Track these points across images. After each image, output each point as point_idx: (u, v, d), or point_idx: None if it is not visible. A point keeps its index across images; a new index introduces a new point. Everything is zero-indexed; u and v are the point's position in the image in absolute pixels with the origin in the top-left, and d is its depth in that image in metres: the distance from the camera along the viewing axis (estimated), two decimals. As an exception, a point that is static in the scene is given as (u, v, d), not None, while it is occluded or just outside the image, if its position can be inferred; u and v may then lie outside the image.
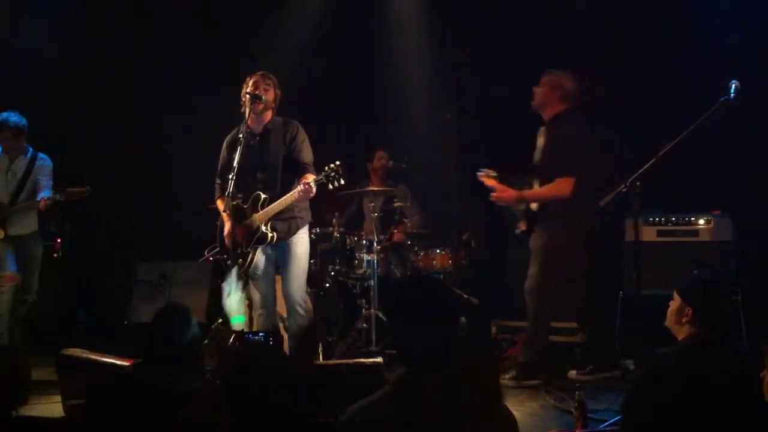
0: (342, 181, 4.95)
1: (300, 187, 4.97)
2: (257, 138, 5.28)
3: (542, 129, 5.62)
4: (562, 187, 5.35)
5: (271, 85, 5.26)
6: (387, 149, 7.21)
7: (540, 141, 5.60)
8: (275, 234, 5.14)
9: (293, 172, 5.20)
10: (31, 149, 6.21)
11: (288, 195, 5.06)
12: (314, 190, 5.00)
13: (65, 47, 7.17)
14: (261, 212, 5.14)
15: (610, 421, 4.24)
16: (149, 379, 2.95)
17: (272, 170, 5.24)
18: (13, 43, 7.01)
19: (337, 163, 4.92)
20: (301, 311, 5.24)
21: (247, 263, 5.18)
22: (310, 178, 5.01)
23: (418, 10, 7.45)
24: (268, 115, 5.30)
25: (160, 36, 7.28)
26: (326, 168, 4.95)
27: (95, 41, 7.21)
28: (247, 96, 5.15)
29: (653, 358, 3.10)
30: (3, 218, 6.08)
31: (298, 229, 5.26)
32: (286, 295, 5.30)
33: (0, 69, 6.89)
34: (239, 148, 5.04)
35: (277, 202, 5.11)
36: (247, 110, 5.17)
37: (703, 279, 3.40)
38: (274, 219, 5.16)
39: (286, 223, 5.22)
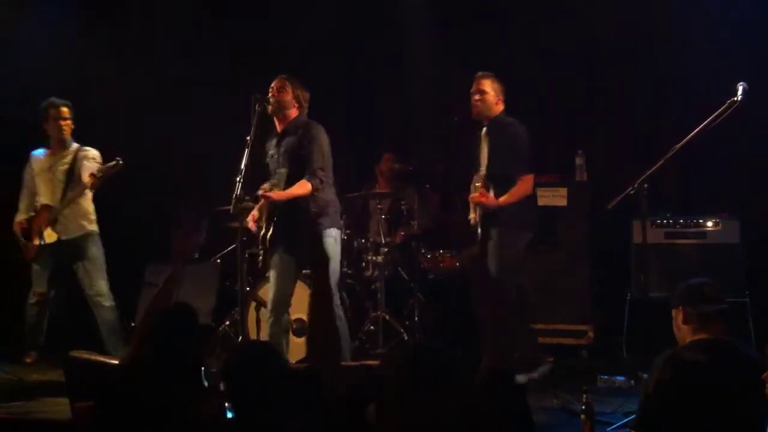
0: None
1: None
2: (278, 139, 5.33)
3: (482, 133, 5.58)
4: (527, 186, 5.34)
5: (287, 85, 5.27)
6: (394, 152, 7.22)
7: (483, 145, 5.56)
8: (269, 234, 5.16)
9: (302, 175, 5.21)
10: (75, 144, 6.07)
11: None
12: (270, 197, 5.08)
13: (69, 46, 7.17)
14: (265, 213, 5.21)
15: (618, 424, 4.23)
16: (143, 382, 2.95)
17: (282, 172, 5.25)
18: (17, 41, 7.02)
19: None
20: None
21: (260, 263, 5.26)
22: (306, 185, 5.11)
23: (426, 12, 7.46)
24: (291, 115, 5.31)
25: (170, 37, 7.29)
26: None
27: (100, 41, 7.21)
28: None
29: (658, 359, 3.12)
30: (53, 220, 5.92)
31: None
32: None
33: (3, 68, 6.89)
34: (247, 149, 5.06)
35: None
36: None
37: (687, 281, 3.41)
38: (288, 221, 5.16)
39: (304, 230, 5.15)
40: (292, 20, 7.51)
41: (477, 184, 5.47)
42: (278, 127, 5.33)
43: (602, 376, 5.43)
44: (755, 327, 5.59)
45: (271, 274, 5.26)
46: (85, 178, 5.82)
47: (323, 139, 5.23)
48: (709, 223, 5.99)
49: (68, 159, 6.01)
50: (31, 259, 6.02)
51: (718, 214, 6.03)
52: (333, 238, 5.24)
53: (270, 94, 5.22)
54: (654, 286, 5.40)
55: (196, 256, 5.84)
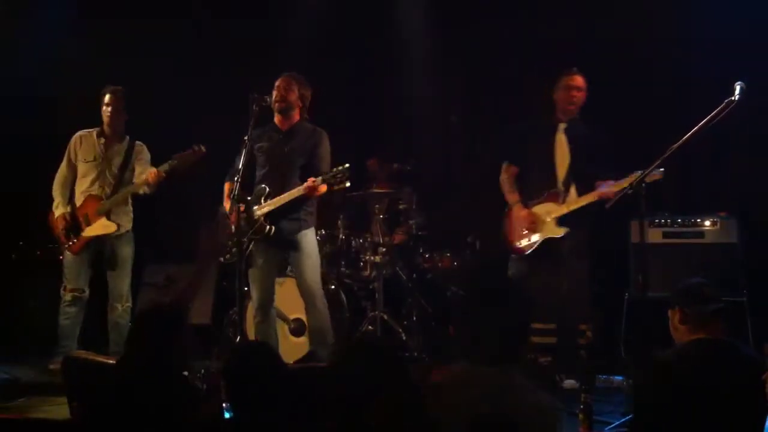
0: (347, 184, 4.99)
1: (307, 184, 5.00)
2: (281, 137, 5.33)
3: (558, 131, 5.54)
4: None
5: (294, 85, 5.31)
6: (378, 156, 7.24)
7: (561, 144, 5.53)
8: (273, 227, 5.17)
9: (304, 179, 5.21)
10: (127, 136, 5.90)
11: (294, 190, 5.11)
12: (320, 188, 5.04)
13: (68, 46, 7.16)
14: (263, 205, 5.20)
15: (616, 424, 4.24)
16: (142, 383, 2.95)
17: (282, 169, 5.27)
18: (18, 42, 7.03)
19: (346, 165, 4.95)
20: (320, 306, 5.32)
21: (243, 254, 5.19)
22: (324, 187, 5.09)
23: (424, 13, 7.46)
24: (295, 116, 5.36)
25: (169, 37, 7.28)
26: (333, 169, 4.99)
27: (99, 41, 7.21)
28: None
29: (656, 358, 3.13)
30: (105, 212, 5.70)
31: (301, 230, 5.32)
32: (303, 291, 5.36)
33: (5, 69, 6.89)
34: (244, 149, 5.07)
35: (281, 196, 5.17)
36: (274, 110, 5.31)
37: (684, 282, 3.43)
38: (279, 217, 5.19)
39: (291, 224, 5.27)
40: (291, 20, 7.52)
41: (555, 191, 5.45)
42: (281, 124, 5.37)
43: (601, 376, 5.43)
44: (753, 326, 5.58)
45: (255, 272, 5.31)
46: (144, 176, 5.64)
47: (328, 146, 5.36)
48: (707, 223, 5.98)
49: (124, 152, 5.85)
50: (75, 252, 5.79)
51: (716, 213, 6.01)
52: (313, 233, 5.43)
53: (276, 92, 5.25)
54: (652, 286, 5.39)
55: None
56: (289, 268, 5.80)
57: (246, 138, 5.07)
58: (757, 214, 6.22)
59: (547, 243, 5.46)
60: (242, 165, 4.99)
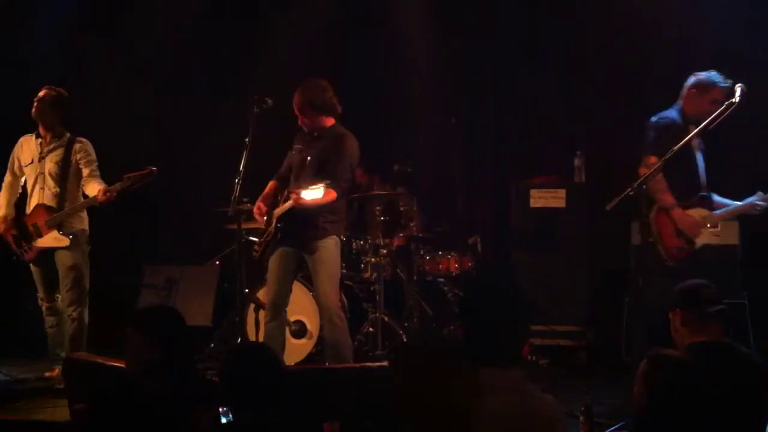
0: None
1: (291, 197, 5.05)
2: (308, 142, 5.34)
3: (690, 131, 5.18)
4: None
5: (298, 91, 5.24)
6: (362, 164, 7.24)
7: (695, 146, 5.32)
8: (278, 230, 5.16)
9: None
10: (68, 134, 5.67)
11: (287, 203, 5.10)
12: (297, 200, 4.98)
13: (67, 46, 7.17)
14: (278, 208, 5.22)
15: (617, 426, 4.23)
16: (144, 385, 2.94)
17: (302, 175, 5.26)
18: (19, 43, 7.04)
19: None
20: (336, 320, 5.18)
21: (258, 254, 5.25)
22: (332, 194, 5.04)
23: (423, 14, 7.47)
24: (323, 120, 5.29)
25: (166, 39, 7.29)
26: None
27: (99, 42, 7.22)
28: None
29: (657, 360, 3.12)
30: (57, 224, 5.52)
31: (318, 238, 5.20)
32: (318, 303, 5.33)
33: (5, 70, 6.90)
34: (245, 152, 5.07)
35: (283, 205, 5.15)
36: None
37: (685, 283, 3.42)
38: (295, 222, 5.17)
39: (307, 230, 5.20)
40: (291, 21, 7.52)
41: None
42: (309, 130, 5.33)
43: (602, 377, 5.44)
44: (754, 328, 5.59)
45: (270, 272, 5.29)
46: (95, 190, 5.44)
47: (355, 152, 5.30)
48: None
49: (62, 150, 5.64)
50: (30, 260, 5.69)
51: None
52: (334, 242, 5.28)
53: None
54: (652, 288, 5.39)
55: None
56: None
57: (247, 140, 5.06)
58: (757, 216, 6.21)
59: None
60: (243, 167, 4.99)
